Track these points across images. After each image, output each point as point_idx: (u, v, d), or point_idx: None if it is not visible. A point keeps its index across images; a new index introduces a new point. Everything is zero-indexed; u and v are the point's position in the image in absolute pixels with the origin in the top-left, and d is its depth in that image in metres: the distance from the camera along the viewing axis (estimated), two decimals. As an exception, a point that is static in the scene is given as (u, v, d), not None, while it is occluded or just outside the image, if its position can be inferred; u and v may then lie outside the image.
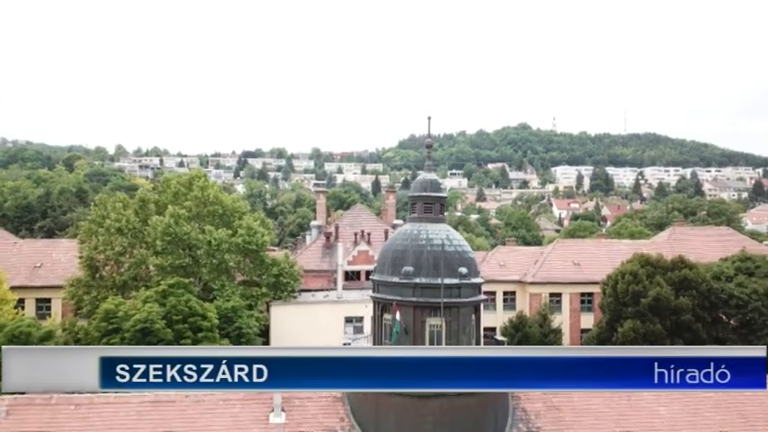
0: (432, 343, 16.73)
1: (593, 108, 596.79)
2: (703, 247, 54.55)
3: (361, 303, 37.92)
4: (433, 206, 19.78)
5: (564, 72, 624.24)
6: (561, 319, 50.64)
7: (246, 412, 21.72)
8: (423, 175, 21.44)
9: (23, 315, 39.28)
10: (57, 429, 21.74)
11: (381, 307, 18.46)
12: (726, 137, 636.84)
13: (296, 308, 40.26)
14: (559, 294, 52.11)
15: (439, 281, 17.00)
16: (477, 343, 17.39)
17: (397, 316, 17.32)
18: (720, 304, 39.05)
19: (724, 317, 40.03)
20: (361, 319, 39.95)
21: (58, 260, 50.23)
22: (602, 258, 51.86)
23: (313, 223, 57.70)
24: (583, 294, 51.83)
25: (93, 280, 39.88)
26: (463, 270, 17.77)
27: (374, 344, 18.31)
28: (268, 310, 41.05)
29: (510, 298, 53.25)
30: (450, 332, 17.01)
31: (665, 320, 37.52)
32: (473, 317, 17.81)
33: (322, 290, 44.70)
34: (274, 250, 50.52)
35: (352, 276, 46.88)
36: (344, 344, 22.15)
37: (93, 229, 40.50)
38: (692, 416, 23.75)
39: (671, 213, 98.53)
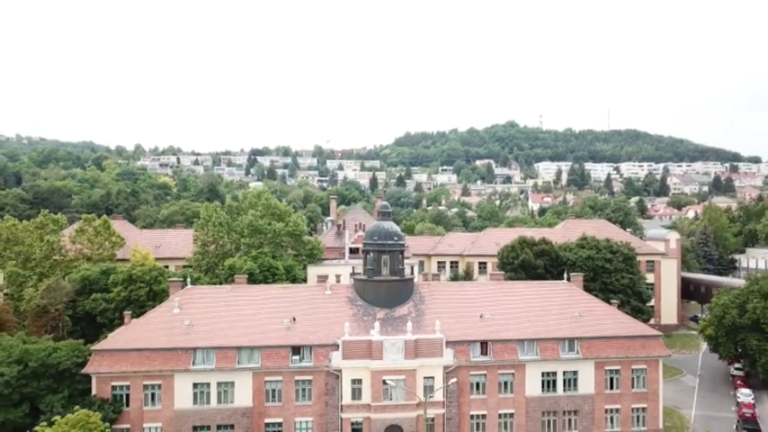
0: (385, 265, 46.56)
1: (579, 105, 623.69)
2: (582, 232, 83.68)
3: (359, 266, 66.93)
4: (384, 214, 49.35)
5: (552, 70, 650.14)
6: (487, 278, 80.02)
7: None
8: (381, 202, 51.46)
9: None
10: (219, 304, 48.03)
11: (365, 252, 48.12)
12: (708, 133, 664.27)
13: (322, 267, 69.53)
14: (485, 263, 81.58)
15: (386, 241, 46.84)
16: (401, 265, 47.14)
17: (370, 255, 47.04)
18: (562, 264, 68.34)
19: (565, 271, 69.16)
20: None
21: (170, 242, 79.59)
22: (512, 239, 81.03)
23: (327, 218, 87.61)
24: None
25: (205, 254, 69.21)
26: (396, 237, 47.50)
27: (364, 266, 47.94)
28: (304, 269, 70.44)
29: (455, 265, 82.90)
30: (390, 261, 46.76)
31: (528, 273, 66.85)
32: (400, 256, 47.61)
33: (336, 259, 74.19)
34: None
35: (354, 251, 76.23)
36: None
37: (203, 223, 69.86)
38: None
39: (583, 209, 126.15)
